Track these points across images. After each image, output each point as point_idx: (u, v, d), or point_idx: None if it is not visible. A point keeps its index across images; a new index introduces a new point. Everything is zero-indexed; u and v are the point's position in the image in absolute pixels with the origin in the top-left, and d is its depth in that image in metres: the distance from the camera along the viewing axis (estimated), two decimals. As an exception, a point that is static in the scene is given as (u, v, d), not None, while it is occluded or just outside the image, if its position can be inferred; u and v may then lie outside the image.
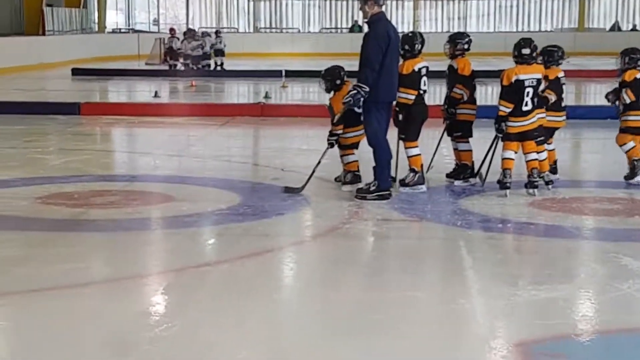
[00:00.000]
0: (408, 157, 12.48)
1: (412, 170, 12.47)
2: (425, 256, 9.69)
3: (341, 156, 12.83)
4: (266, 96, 24.56)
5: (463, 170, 13.11)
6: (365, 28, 11.91)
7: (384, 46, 11.58)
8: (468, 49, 13.15)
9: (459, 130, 13.04)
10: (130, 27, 55.73)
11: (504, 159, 12.14)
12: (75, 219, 11.07)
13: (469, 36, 13.37)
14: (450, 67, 13.09)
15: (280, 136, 18.85)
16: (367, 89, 11.49)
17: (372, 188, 11.81)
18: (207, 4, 56.50)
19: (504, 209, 11.55)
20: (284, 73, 31.56)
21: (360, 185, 12.27)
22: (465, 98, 12.93)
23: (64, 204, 11.81)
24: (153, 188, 13.01)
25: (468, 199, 12.13)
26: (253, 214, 11.22)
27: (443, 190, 12.71)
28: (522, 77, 12.01)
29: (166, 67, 37.98)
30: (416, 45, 12.54)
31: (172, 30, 39.86)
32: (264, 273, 8.91)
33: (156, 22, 54.24)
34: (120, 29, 55.39)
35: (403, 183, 12.46)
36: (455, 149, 13.22)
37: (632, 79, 12.81)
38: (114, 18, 56.50)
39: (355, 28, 52.32)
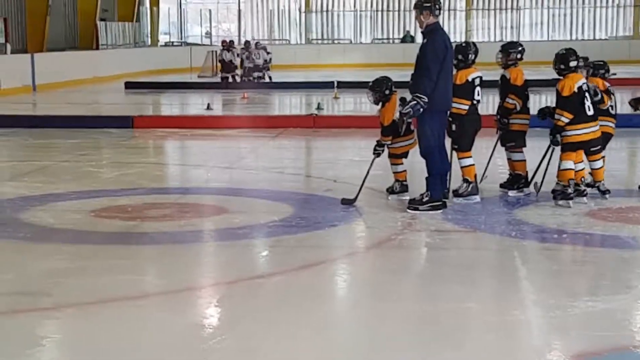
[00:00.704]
0: (461, 167, 12.45)
1: (465, 180, 12.43)
2: (479, 267, 9.60)
3: (392, 164, 12.82)
4: (318, 107, 24.59)
5: (517, 180, 13.04)
6: (419, 38, 11.89)
7: (442, 56, 11.55)
8: (521, 59, 13.09)
9: (512, 140, 12.98)
10: (183, 40, 55.69)
11: (565, 170, 12.07)
12: (128, 231, 11.09)
13: (521, 45, 13.33)
14: (503, 77, 13.04)
15: (332, 147, 18.79)
16: (426, 99, 11.45)
17: (425, 199, 11.76)
18: (259, 17, 56.45)
19: (559, 219, 11.42)
20: (335, 84, 31.35)
21: (412, 195, 12.24)
22: (518, 108, 12.88)
23: (117, 216, 11.84)
24: (206, 200, 13.09)
25: (522, 209, 12.06)
26: (306, 225, 11.17)
27: (497, 201, 12.67)
28: (580, 84, 12.00)
29: (218, 80, 37.84)
30: (469, 55, 12.53)
31: (224, 42, 39.60)
32: (318, 285, 8.91)
33: (208, 34, 54.11)
34: (172, 42, 55.46)
35: (457, 194, 12.41)
36: (509, 159, 13.16)
37: None
38: (167, 31, 56.43)
39: (407, 38, 52.08)
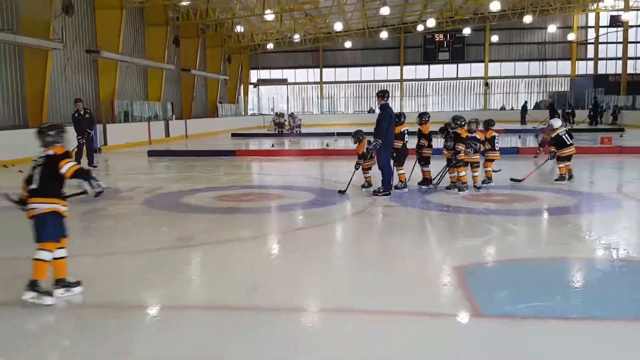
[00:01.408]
0: (399, 174, 12.19)
1: (400, 181, 12.21)
2: (407, 224, 9.16)
3: (363, 173, 12.60)
4: (327, 145, 24.45)
5: (426, 181, 12.78)
6: (377, 110, 11.75)
7: (389, 120, 11.27)
8: (428, 120, 12.87)
9: (423, 160, 12.78)
10: (260, 112, 54.35)
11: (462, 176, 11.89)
12: (233, 207, 10.75)
13: (427, 114, 12.94)
14: (419, 129, 12.74)
15: (335, 165, 18.12)
16: (381, 142, 11.24)
17: (381, 190, 11.57)
18: (296, 99, 56.25)
19: (447, 199, 11.14)
20: (335, 134, 31.11)
21: (374, 188, 11.97)
22: (426, 144, 12.67)
23: (228, 199, 11.58)
24: (272, 191, 12.57)
25: (430, 195, 11.70)
26: (320, 204, 10.80)
27: (416, 191, 12.18)
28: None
29: (276, 132, 36.77)
30: (402, 119, 12.34)
31: (276, 113, 39.29)
32: (326, 233, 8.68)
33: (272, 109, 53.01)
34: (254, 113, 54.03)
35: (396, 187, 12.13)
36: (422, 170, 12.83)
37: None
38: (251, 107, 55.72)
39: (371, 110, 51.87)
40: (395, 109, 56.39)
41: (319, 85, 55.45)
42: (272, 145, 26.00)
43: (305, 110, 54.58)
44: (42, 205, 5.73)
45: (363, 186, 12.39)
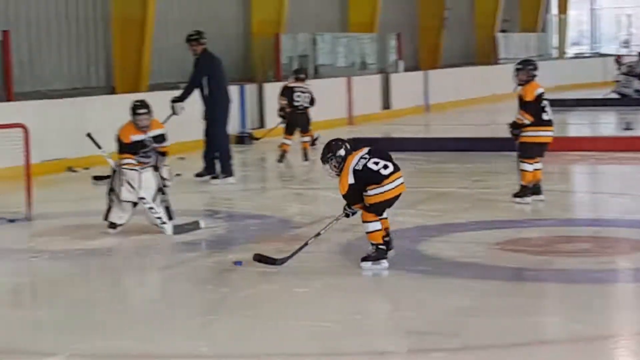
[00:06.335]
0: None
1: None
2: None
3: None
4: None
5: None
6: None
7: None
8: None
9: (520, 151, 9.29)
10: (595, 51, 35.88)
11: None
12: (537, 267, 6.97)
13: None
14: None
15: None
16: None
17: None
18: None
19: None
20: None
21: None
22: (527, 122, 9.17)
23: (524, 250, 7.51)
24: (628, 234, 8.01)
25: None
26: None
27: None
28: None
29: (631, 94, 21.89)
30: None
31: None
32: None
33: (627, 44, 34.28)
34: (583, 53, 35.28)
35: None
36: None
37: None
38: (576, 41, 36.06)
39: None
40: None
41: None
42: (628, 127, 16.34)
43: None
44: None
45: None
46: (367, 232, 6.32)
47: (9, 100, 12.19)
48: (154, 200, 7.42)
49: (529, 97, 8.93)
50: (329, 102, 17.06)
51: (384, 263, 6.37)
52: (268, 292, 6.43)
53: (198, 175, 10.72)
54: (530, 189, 9.17)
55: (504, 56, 28.54)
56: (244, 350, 5.05)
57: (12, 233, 8.11)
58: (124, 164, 7.42)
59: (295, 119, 12.48)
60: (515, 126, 9.08)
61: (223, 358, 4.95)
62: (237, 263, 6.80)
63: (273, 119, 14.39)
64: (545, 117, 8.98)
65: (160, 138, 7.67)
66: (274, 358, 4.85)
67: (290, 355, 4.95)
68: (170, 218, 7.44)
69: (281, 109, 12.75)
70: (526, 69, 9.03)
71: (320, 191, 10.73)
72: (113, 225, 7.40)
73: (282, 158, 12.32)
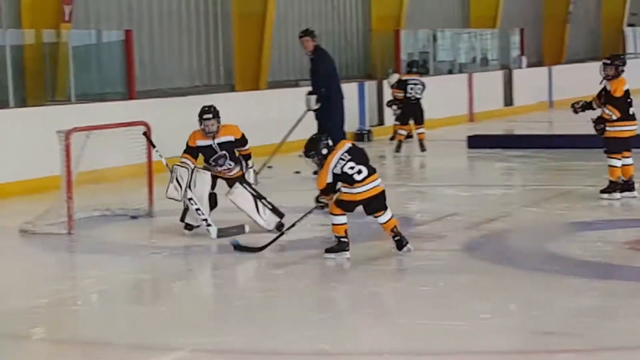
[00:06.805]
0: None
1: None
2: None
3: None
4: None
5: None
6: None
7: None
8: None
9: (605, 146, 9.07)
10: None
11: None
12: None
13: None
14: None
15: None
16: None
17: None
18: None
19: None
20: None
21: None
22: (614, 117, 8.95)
23: None
24: None
25: None
26: None
27: None
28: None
29: None
30: None
31: None
32: None
33: None
34: None
35: None
36: None
37: None
38: None
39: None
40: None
41: None
42: None
43: None
44: None
45: None
46: (332, 224, 6.76)
47: (131, 98, 12.41)
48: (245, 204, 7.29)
49: (619, 93, 8.76)
50: (450, 99, 16.97)
51: (346, 254, 6.72)
52: (392, 290, 6.39)
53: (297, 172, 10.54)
54: (619, 185, 8.90)
55: (632, 51, 26.98)
56: (366, 347, 4.95)
57: (134, 229, 8.20)
58: (179, 163, 7.34)
59: (409, 109, 13.01)
60: (600, 121, 8.86)
61: (346, 355, 4.87)
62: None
63: (392, 116, 14.22)
64: (631, 111, 8.80)
65: (238, 143, 7.47)
66: (398, 357, 4.76)
67: (414, 354, 4.85)
68: (281, 216, 7.30)
69: (391, 101, 13.54)
70: (614, 64, 8.84)
71: (439, 189, 10.70)
72: (189, 227, 7.38)
73: (398, 148, 12.95)
